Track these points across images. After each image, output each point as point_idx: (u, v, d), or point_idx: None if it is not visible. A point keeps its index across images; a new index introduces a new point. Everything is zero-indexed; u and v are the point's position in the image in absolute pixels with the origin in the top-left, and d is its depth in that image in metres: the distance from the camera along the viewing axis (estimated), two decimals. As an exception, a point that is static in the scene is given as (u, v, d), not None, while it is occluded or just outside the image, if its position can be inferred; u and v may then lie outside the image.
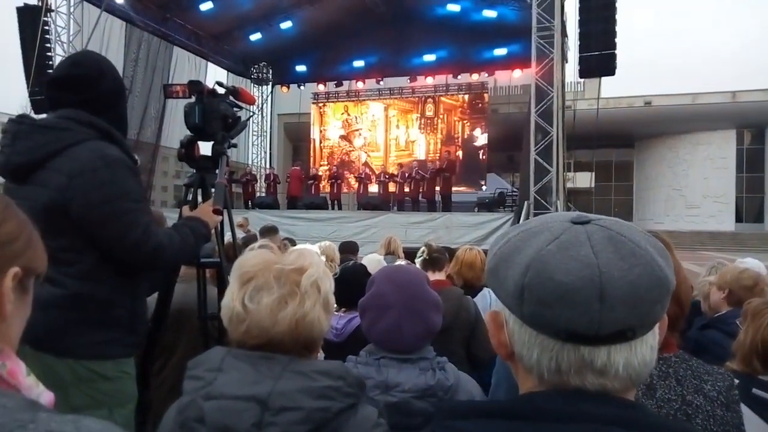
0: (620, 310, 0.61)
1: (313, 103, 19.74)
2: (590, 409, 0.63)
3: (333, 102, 19.56)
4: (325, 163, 19.37)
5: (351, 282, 2.32)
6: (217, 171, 2.17)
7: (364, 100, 19.25)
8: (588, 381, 0.64)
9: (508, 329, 0.70)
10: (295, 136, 24.38)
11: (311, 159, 19.91)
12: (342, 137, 19.56)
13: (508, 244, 0.69)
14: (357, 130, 19.35)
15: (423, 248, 3.12)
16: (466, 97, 18.07)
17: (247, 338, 1.08)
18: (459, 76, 17.58)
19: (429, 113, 18.45)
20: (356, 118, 19.38)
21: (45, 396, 0.68)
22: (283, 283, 1.09)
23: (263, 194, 16.21)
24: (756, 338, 1.64)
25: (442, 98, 18.27)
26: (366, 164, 18.76)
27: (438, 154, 17.14)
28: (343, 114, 19.59)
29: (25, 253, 0.70)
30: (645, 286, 0.62)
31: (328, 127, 19.76)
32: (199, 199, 2.22)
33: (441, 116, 18.33)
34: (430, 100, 18.33)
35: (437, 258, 3.05)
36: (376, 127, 19.19)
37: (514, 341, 0.69)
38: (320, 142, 19.76)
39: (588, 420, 0.62)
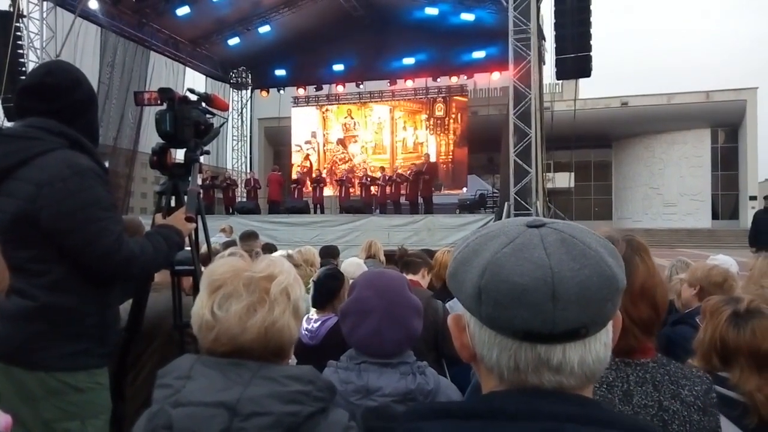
0: (573, 309, 0.63)
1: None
2: (546, 406, 0.65)
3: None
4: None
5: (325, 285, 2.32)
6: (189, 178, 2.15)
7: (344, 103, 19.23)
8: (545, 379, 0.66)
9: (470, 331, 0.72)
10: (276, 140, 24.28)
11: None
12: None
13: (467, 249, 0.72)
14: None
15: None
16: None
17: (216, 346, 1.08)
18: (438, 79, 17.70)
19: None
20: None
21: (0, 420, 0.67)
22: (253, 290, 1.09)
23: (244, 199, 16.10)
24: (714, 336, 1.67)
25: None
26: (351, 170, 18.69)
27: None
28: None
29: None
30: (595, 285, 0.64)
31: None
32: (173, 205, 2.20)
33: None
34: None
35: (410, 261, 3.08)
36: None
37: (475, 342, 0.71)
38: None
39: (544, 418, 0.64)
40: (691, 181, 26.83)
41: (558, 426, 0.63)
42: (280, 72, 18.33)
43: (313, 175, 17.05)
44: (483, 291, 0.66)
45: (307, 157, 19.64)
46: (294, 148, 19.78)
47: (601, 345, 0.68)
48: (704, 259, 3.28)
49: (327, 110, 19.56)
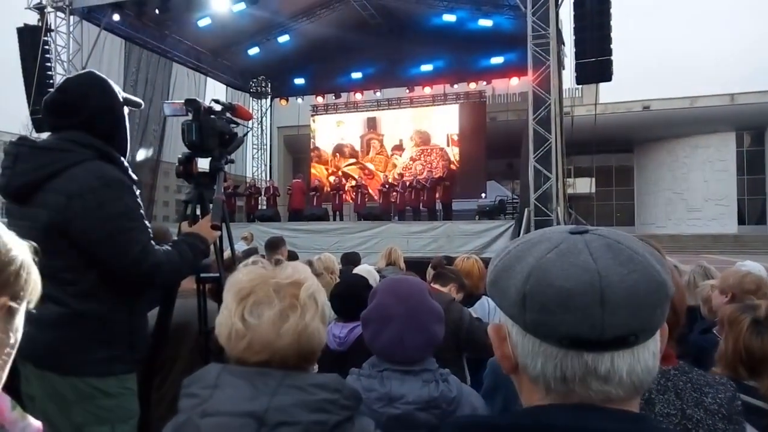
0: (621, 315, 0.62)
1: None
2: (595, 423, 0.63)
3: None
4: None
5: (350, 293, 2.33)
6: (215, 187, 2.19)
7: (363, 111, 19.33)
8: (593, 388, 0.64)
9: (511, 341, 0.70)
10: (295, 149, 24.45)
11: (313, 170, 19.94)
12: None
13: (508, 256, 0.71)
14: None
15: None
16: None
17: (248, 354, 1.07)
18: (456, 85, 17.66)
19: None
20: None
21: (31, 428, 0.69)
22: (283, 296, 1.09)
23: (264, 207, 16.25)
24: (738, 346, 1.64)
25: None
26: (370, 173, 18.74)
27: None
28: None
29: (16, 282, 0.70)
30: (644, 290, 0.63)
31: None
32: (198, 214, 2.24)
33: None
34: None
35: (443, 273, 3.09)
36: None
37: (517, 352, 0.69)
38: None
39: None
40: (715, 185, 26.27)
41: None
42: (299, 81, 18.50)
43: (333, 182, 17.16)
44: (528, 296, 0.64)
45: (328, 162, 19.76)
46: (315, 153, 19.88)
47: (650, 354, 0.66)
48: (731, 265, 3.22)
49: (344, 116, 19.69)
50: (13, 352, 0.73)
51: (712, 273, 3.34)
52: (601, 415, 0.64)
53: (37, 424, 0.70)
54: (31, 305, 0.75)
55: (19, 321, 0.73)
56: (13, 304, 0.71)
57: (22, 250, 0.73)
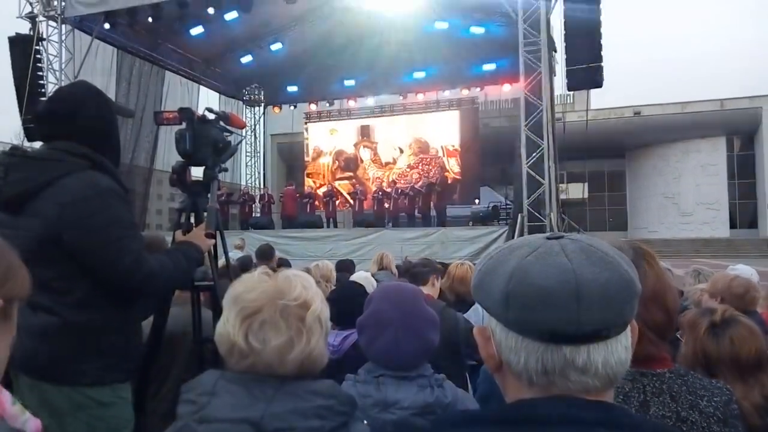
0: (595, 310, 0.68)
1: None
2: (575, 412, 0.69)
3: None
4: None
5: (345, 301, 2.34)
6: (209, 195, 2.19)
7: (356, 118, 19.36)
8: (571, 380, 0.70)
9: (495, 340, 0.76)
10: (289, 156, 24.47)
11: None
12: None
13: (490, 261, 0.77)
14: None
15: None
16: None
17: (251, 371, 1.08)
18: (449, 92, 17.75)
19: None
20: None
21: (31, 423, 0.69)
22: (290, 321, 1.08)
23: (258, 214, 16.23)
24: (696, 349, 1.69)
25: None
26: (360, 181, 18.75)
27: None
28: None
29: (5, 284, 0.71)
30: (615, 287, 0.69)
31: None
32: (192, 222, 2.24)
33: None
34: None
35: (417, 272, 3.07)
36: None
37: (501, 349, 0.75)
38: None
39: (574, 422, 0.67)
40: (707, 189, 26.49)
41: (588, 430, 0.67)
42: (292, 88, 18.52)
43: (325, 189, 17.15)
44: (510, 296, 0.70)
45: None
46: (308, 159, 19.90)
47: (622, 347, 0.72)
48: (723, 269, 3.25)
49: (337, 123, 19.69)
50: (8, 352, 0.74)
51: (706, 276, 3.38)
52: (580, 405, 0.69)
53: (36, 421, 0.71)
54: (23, 303, 0.76)
55: (14, 322, 0.74)
56: (5, 307, 0.71)
57: (7, 252, 0.74)
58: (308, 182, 19.47)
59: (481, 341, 0.78)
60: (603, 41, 10.34)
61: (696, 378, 1.18)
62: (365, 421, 1.16)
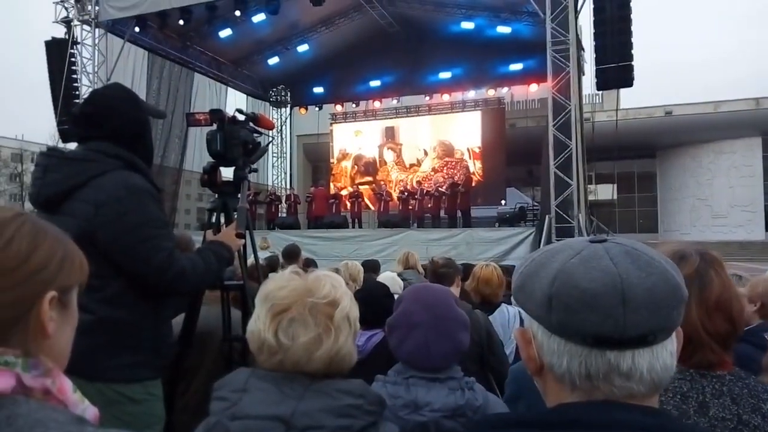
0: (642, 314, 0.66)
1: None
2: (620, 416, 0.67)
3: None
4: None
5: (370, 301, 2.34)
6: (239, 195, 2.22)
7: (381, 119, 19.38)
8: (616, 385, 0.68)
9: (537, 342, 0.74)
10: (314, 157, 24.63)
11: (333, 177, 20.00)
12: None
13: (532, 263, 0.76)
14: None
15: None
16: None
17: (279, 368, 1.10)
18: (475, 92, 17.64)
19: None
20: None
21: (90, 411, 0.71)
22: (319, 319, 1.10)
23: (284, 215, 16.39)
24: None
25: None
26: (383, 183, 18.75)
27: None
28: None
29: (59, 274, 0.72)
30: (662, 292, 0.67)
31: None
32: (222, 222, 2.27)
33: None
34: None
35: (444, 273, 3.05)
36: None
37: (543, 352, 0.73)
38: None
39: (618, 427, 0.66)
40: (741, 191, 25.71)
41: None
42: (318, 89, 18.68)
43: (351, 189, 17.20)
44: (554, 298, 0.69)
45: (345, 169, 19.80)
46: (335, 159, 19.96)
47: (667, 353, 0.70)
48: (760, 273, 3.15)
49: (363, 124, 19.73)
50: (71, 341, 0.76)
51: (746, 282, 3.27)
52: (625, 410, 0.68)
53: (94, 409, 0.72)
54: (83, 287, 0.77)
55: (74, 308, 0.74)
56: (63, 296, 0.72)
57: (62, 240, 0.74)
58: (332, 184, 19.57)
59: (522, 343, 0.77)
60: (633, 40, 10.14)
61: (757, 382, 1.15)
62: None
